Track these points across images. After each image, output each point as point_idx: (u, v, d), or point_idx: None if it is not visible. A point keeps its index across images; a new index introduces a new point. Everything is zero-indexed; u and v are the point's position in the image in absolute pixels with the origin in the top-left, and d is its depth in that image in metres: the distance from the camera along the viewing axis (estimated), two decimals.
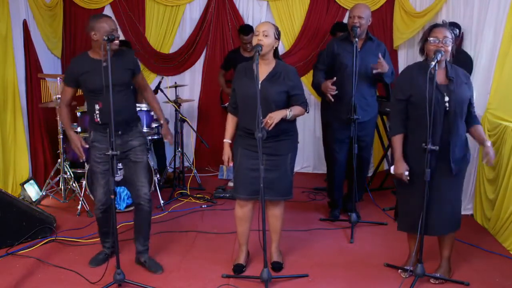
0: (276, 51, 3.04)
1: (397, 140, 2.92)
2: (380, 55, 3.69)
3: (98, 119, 3.04)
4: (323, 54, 4.01)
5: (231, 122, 3.18)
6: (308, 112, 3.13)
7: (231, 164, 3.13)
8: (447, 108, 2.76)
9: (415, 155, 2.86)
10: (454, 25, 2.84)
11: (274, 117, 2.85)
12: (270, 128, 2.84)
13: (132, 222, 3.38)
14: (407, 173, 2.86)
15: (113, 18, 5.27)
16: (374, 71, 3.70)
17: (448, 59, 2.82)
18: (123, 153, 3.10)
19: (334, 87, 3.74)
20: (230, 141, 3.16)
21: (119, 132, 3.06)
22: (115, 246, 3.02)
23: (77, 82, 3.07)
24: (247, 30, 4.80)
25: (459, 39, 3.93)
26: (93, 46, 3.05)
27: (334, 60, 3.88)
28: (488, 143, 2.84)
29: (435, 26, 2.81)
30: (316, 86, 3.96)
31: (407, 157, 2.90)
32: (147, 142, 3.29)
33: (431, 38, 2.75)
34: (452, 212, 2.92)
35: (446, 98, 2.76)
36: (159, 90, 4.77)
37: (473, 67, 3.87)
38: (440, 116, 2.76)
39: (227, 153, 3.14)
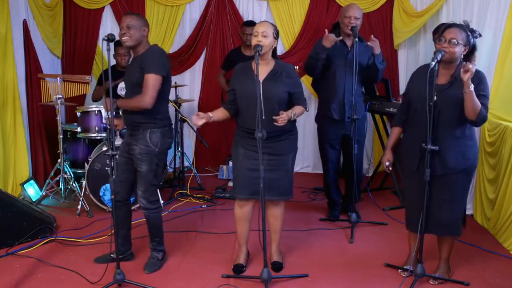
0: (274, 50, 3.04)
1: (393, 132, 3.12)
2: (372, 36, 3.78)
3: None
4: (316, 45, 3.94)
5: (221, 109, 3.12)
6: (308, 110, 3.14)
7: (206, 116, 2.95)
8: (433, 108, 2.76)
9: (408, 151, 2.95)
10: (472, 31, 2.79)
11: (286, 118, 2.82)
12: (280, 124, 2.80)
13: (133, 223, 3.37)
14: (388, 163, 3.07)
15: (113, 18, 5.38)
16: (370, 43, 3.72)
17: (460, 60, 2.77)
18: (130, 154, 3.11)
19: (335, 38, 3.72)
20: (211, 115, 2.99)
21: (128, 132, 3.11)
22: (115, 246, 3.02)
23: None
24: (250, 22, 4.90)
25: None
26: None
27: (324, 58, 3.85)
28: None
29: (449, 26, 2.77)
30: (311, 57, 3.84)
31: (402, 152, 3.03)
32: (151, 153, 3.03)
33: (440, 37, 2.75)
34: (443, 215, 2.89)
35: (434, 98, 2.75)
36: None
37: None
38: (426, 116, 2.75)
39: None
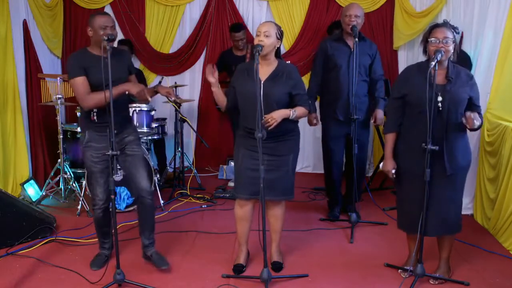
0: (278, 51, 3.04)
1: (389, 138, 2.99)
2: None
3: (95, 117, 3.01)
4: (317, 55, 4.00)
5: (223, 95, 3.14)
6: (311, 113, 3.13)
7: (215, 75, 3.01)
8: (440, 108, 2.76)
9: (410, 154, 2.89)
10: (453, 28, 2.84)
11: (276, 118, 2.84)
12: (270, 128, 2.84)
13: (133, 223, 3.38)
14: (393, 171, 2.94)
15: (113, 18, 5.36)
16: (372, 122, 3.96)
17: (452, 59, 2.80)
18: (119, 150, 3.05)
19: (316, 122, 3.94)
20: (218, 87, 3.06)
21: (115, 131, 2.97)
22: (115, 246, 3.02)
23: (86, 72, 2.98)
24: (237, 27, 4.91)
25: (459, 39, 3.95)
26: (91, 42, 3.08)
27: (327, 61, 3.89)
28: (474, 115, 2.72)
29: (436, 26, 2.80)
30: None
31: (401, 155, 2.95)
32: (139, 137, 3.34)
33: (431, 39, 2.75)
34: (448, 214, 2.90)
35: (439, 98, 2.75)
36: None
37: (471, 67, 3.87)
38: (433, 116, 2.74)
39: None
